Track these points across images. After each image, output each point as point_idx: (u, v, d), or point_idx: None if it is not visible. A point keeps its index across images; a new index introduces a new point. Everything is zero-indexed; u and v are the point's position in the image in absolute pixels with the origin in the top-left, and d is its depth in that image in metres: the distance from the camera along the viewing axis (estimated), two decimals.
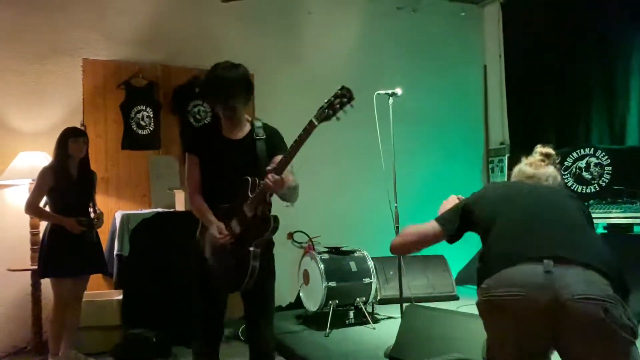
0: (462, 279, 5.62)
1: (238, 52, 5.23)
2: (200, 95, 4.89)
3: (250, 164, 2.51)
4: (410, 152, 5.41)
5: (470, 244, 6.38)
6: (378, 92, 4.00)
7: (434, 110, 6.07)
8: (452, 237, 2.05)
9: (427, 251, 5.31)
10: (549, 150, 2.11)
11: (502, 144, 6.41)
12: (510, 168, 2.25)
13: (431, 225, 2.08)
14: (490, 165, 6.47)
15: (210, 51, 5.10)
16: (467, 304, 4.62)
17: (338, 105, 2.52)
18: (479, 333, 2.68)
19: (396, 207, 3.95)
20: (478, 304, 1.75)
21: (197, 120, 5.01)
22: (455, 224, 2.03)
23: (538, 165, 2.08)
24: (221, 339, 2.76)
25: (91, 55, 4.68)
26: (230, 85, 2.50)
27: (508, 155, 6.20)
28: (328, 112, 2.53)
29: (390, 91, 3.96)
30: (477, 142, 6.54)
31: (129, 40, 4.84)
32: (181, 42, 5.01)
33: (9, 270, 4.04)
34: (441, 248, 5.32)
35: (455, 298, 4.94)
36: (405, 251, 2.26)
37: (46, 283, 3.82)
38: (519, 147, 6.05)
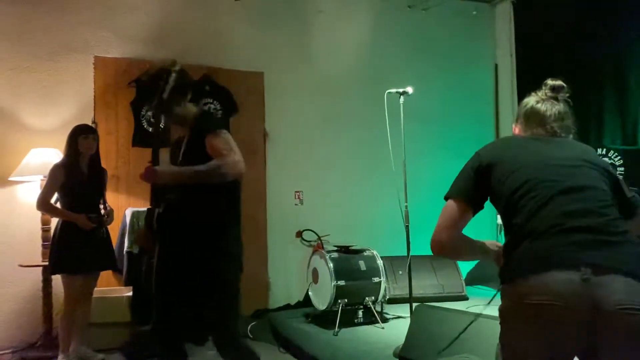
0: (471, 279, 5.59)
1: (248, 50, 5.26)
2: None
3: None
4: (421, 151, 5.40)
5: None
6: (389, 90, 3.98)
7: (444, 109, 6.04)
8: (477, 206, 1.79)
9: None
10: (560, 82, 1.95)
11: None
12: None
13: (450, 206, 1.79)
14: None
15: (221, 49, 5.13)
16: (477, 304, 4.58)
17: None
18: (489, 334, 2.67)
19: (406, 207, 3.94)
20: (506, 308, 1.60)
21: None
22: (473, 192, 1.78)
23: (551, 103, 1.91)
24: None
25: (103, 53, 4.70)
26: None
27: None
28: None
29: (401, 90, 3.95)
30: (487, 141, 6.41)
31: (140, 38, 4.85)
32: (191, 40, 5.02)
33: (20, 266, 4.07)
34: None
35: (464, 298, 4.92)
36: (452, 247, 1.81)
37: (57, 279, 3.84)
38: None
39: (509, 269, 1.64)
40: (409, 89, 3.94)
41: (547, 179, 1.68)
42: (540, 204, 1.63)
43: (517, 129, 2.00)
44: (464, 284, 5.07)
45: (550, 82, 1.95)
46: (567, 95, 1.94)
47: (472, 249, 1.84)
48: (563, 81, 1.95)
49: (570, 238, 1.57)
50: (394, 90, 3.97)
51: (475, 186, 1.78)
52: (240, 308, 2.55)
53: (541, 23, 5.85)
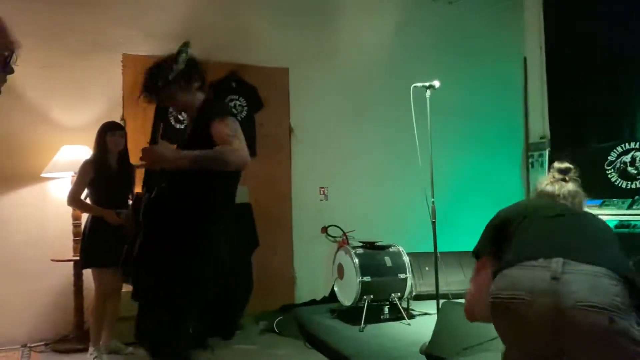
0: None
1: (273, 46, 5.27)
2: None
3: None
4: (448, 146, 5.34)
5: None
6: (415, 84, 3.94)
7: (471, 103, 5.96)
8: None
9: (463, 246, 5.25)
10: (567, 164, 2.10)
11: (542, 138, 6.24)
12: (551, 163, 2.20)
13: (481, 267, 1.96)
14: (530, 160, 6.31)
15: (246, 46, 5.15)
16: None
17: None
18: None
19: (433, 203, 3.90)
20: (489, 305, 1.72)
21: (234, 114, 5.06)
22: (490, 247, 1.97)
23: (560, 184, 2.06)
24: None
25: (131, 51, 4.76)
26: None
27: (549, 149, 6.04)
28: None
29: (427, 84, 3.91)
30: (516, 136, 6.39)
31: (166, 35, 4.90)
32: (217, 37, 5.05)
33: (53, 260, 4.16)
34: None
35: None
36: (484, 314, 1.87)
37: (88, 273, 3.92)
38: (561, 142, 5.89)
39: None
40: (436, 83, 3.90)
41: (541, 217, 1.89)
42: (530, 230, 1.85)
43: None
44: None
45: (557, 164, 2.11)
46: (576, 175, 2.09)
47: None
48: (569, 162, 2.12)
49: (551, 239, 1.76)
50: (420, 84, 3.93)
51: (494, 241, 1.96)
52: (183, 321, 2.39)
53: (573, 13, 5.71)
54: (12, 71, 1.34)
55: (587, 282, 1.54)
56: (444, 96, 4.23)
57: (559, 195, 2.03)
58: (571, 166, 2.09)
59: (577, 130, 5.70)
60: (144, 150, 2.20)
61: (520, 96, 6.41)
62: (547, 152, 6.04)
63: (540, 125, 6.30)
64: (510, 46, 6.39)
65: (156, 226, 2.32)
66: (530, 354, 1.65)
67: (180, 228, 2.29)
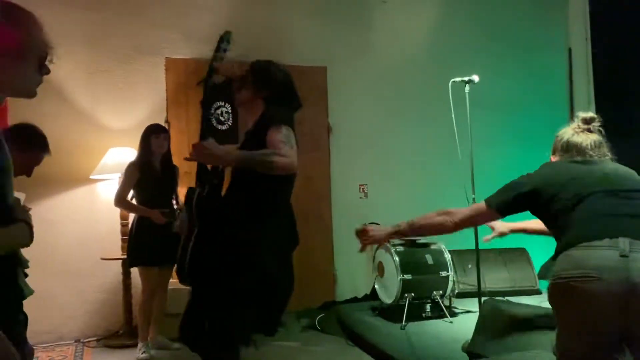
0: (545, 273, 5.38)
1: (311, 45, 5.30)
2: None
3: None
4: (488, 141, 5.24)
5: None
6: (453, 79, 3.89)
7: (514, 97, 5.83)
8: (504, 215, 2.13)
9: (507, 244, 5.16)
10: (591, 114, 2.16)
11: None
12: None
13: (485, 212, 2.16)
14: None
15: (284, 46, 5.19)
16: None
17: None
18: None
19: (474, 199, 3.84)
20: (549, 288, 1.76)
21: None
22: (510, 207, 2.08)
23: (585, 135, 2.10)
24: None
25: (173, 54, 4.88)
26: None
27: None
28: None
29: (466, 78, 3.85)
30: (561, 129, 6.20)
31: (207, 38, 4.96)
32: (255, 38, 5.11)
33: (102, 259, 4.32)
34: (523, 241, 5.15)
35: (537, 292, 4.75)
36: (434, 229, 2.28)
37: (135, 271, 4.05)
38: (609, 135, 5.69)
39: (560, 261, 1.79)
40: (475, 77, 3.84)
41: (592, 189, 1.88)
42: (588, 207, 1.83)
43: (556, 160, 2.22)
44: (536, 278, 4.89)
45: (581, 114, 2.17)
46: (599, 125, 2.14)
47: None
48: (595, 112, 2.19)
49: (613, 218, 1.77)
50: (458, 79, 3.88)
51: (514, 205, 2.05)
52: (240, 315, 2.44)
53: (620, 1, 5.51)
54: (48, 72, 1.40)
55: None
56: (485, 90, 4.16)
57: (587, 146, 2.06)
58: (595, 116, 2.15)
59: (626, 123, 5.50)
60: (194, 145, 2.28)
61: (564, 89, 6.22)
62: None
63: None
64: (554, 37, 6.21)
65: (210, 222, 2.36)
66: (594, 339, 1.65)
67: (234, 227, 2.34)
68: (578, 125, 2.14)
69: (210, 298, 2.44)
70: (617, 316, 1.61)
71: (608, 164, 2.03)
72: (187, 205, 2.44)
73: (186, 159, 2.39)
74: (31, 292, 1.44)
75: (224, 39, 2.67)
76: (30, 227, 1.35)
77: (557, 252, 1.79)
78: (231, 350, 2.50)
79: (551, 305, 1.78)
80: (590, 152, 2.05)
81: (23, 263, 1.34)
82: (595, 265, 1.63)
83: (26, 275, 1.44)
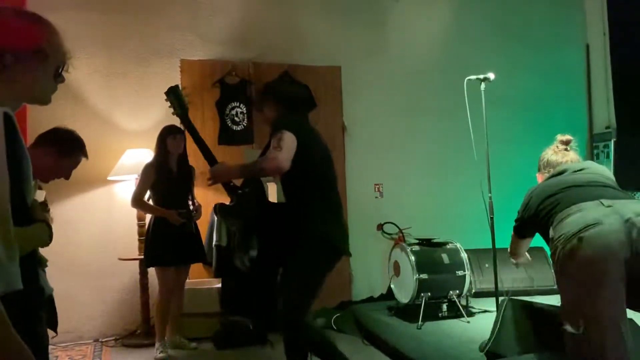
0: None
1: (325, 45, 5.30)
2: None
3: None
4: (505, 140, 5.20)
5: None
6: (469, 77, 3.86)
7: (530, 94, 5.77)
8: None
9: None
10: (568, 137, 2.54)
11: (607, 128, 5.96)
12: (617, 153, 2.39)
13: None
14: (595, 152, 6.04)
15: (299, 47, 5.20)
16: None
17: None
18: None
19: (490, 198, 3.81)
20: (560, 259, 2.00)
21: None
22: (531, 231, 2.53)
23: (563, 153, 2.48)
24: None
25: (188, 56, 4.91)
26: None
27: (614, 139, 5.76)
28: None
29: (482, 76, 3.82)
30: (579, 127, 6.12)
31: (222, 39, 5.03)
32: (270, 39, 5.13)
33: (120, 259, 4.36)
34: (541, 240, 5.09)
35: (555, 292, 4.68)
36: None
37: (152, 271, 4.09)
38: (627, 131, 5.61)
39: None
40: (490, 75, 3.80)
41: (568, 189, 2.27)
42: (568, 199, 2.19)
43: (540, 178, 2.57)
44: (554, 277, 4.83)
45: (559, 137, 2.57)
46: (576, 145, 2.56)
47: None
48: (571, 134, 2.59)
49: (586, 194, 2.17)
50: (474, 77, 3.85)
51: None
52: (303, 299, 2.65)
53: None
54: (63, 80, 1.42)
55: (632, 203, 2.06)
56: (501, 88, 4.13)
57: (562, 162, 2.45)
58: (572, 138, 2.55)
59: None
60: (209, 171, 2.70)
61: (582, 85, 6.15)
62: (612, 143, 5.77)
63: (605, 114, 6.02)
64: (572, 33, 6.14)
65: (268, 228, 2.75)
66: (613, 288, 1.88)
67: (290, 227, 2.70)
68: (557, 145, 2.55)
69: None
70: (625, 251, 1.89)
71: (581, 168, 2.38)
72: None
73: (209, 185, 2.82)
74: (51, 290, 1.47)
75: (171, 93, 3.15)
76: (49, 227, 1.37)
77: (555, 232, 2.11)
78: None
79: (562, 275, 2.03)
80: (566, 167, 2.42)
81: (42, 262, 1.37)
82: (592, 218, 1.96)
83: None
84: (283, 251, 2.70)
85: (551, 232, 2.16)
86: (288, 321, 2.62)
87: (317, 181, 2.75)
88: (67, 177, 2.44)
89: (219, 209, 2.79)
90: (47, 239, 1.37)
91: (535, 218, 2.31)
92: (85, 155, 2.52)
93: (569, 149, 2.49)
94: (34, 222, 1.33)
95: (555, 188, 2.26)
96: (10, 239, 1.10)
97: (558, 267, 2.04)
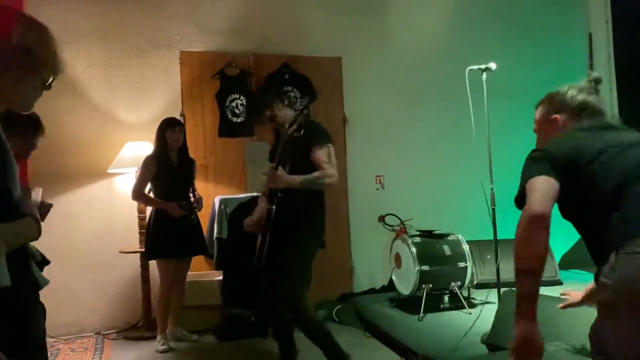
0: (566, 263, 5.30)
1: (325, 36, 5.26)
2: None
3: None
4: (507, 130, 5.16)
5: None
6: (470, 67, 3.82)
7: (532, 84, 5.68)
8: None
9: None
10: (598, 75, 1.90)
11: (610, 118, 5.92)
12: None
13: (540, 181, 1.59)
14: None
15: (299, 37, 5.17)
16: (571, 289, 4.34)
17: None
18: (583, 320, 2.52)
19: (492, 189, 3.79)
20: (612, 290, 1.42)
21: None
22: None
23: (599, 98, 1.85)
24: None
25: (187, 48, 4.88)
26: None
27: None
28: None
29: (483, 66, 3.78)
30: None
31: (221, 30, 5.00)
32: (270, 30, 5.10)
33: (121, 252, 4.36)
34: None
35: (558, 283, 4.67)
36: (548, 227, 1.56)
37: (153, 264, 4.08)
38: (631, 121, 5.58)
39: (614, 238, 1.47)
40: (492, 65, 3.75)
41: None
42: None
43: (563, 120, 1.86)
44: (557, 268, 4.82)
45: (593, 74, 1.89)
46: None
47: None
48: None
49: None
50: (475, 67, 3.81)
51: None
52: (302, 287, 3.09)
53: None
54: (49, 88, 1.41)
55: None
56: (502, 78, 4.08)
57: (603, 107, 1.81)
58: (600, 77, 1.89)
59: None
60: (270, 174, 2.98)
61: (585, 74, 6.08)
62: None
63: (607, 103, 5.97)
64: (574, 22, 6.08)
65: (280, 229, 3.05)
66: None
67: (299, 227, 3.08)
68: (591, 84, 1.86)
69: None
70: None
71: (629, 132, 1.71)
72: (267, 218, 3.07)
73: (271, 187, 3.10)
74: (46, 282, 1.46)
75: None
76: (37, 220, 1.36)
77: (610, 244, 1.47)
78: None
79: (609, 306, 1.46)
80: (607, 115, 1.77)
81: (34, 255, 1.36)
82: None
83: (41, 268, 1.46)
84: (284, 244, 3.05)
85: (593, 215, 1.57)
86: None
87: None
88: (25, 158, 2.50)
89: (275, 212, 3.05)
90: (36, 233, 1.36)
91: (576, 174, 1.57)
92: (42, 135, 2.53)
93: (598, 90, 1.87)
94: (21, 217, 1.31)
95: (621, 162, 1.55)
96: None
97: (620, 304, 1.42)
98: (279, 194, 3.02)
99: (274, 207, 3.04)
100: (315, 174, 3.00)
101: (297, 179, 3.00)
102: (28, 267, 1.33)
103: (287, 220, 3.04)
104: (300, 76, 5.13)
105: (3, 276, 1.11)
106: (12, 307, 1.21)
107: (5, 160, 1.25)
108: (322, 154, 3.01)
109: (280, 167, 2.99)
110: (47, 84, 1.39)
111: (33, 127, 2.48)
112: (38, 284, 1.41)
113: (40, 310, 1.53)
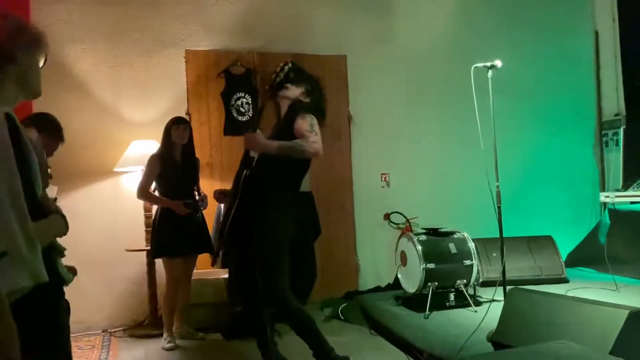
0: (572, 261, 5.29)
1: (330, 34, 5.26)
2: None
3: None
4: (512, 128, 5.16)
5: (581, 224, 6.01)
6: (475, 65, 3.81)
7: (538, 82, 5.71)
8: None
9: (533, 232, 5.06)
10: None
11: (617, 115, 5.89)
12: (627, 141, 2.01)
13: None
14: (604, 139, 5.99)
15: (304, 36, 5.17)
16: (578, 287, 4.34)
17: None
18: (589, 319, 2.51)
19: (497, 187, 3.78)
20: None
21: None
22: None
23: None
24: None
25: (192, 46, 4.89)
26: None
27: (624, 127, 5.70)
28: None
29: (488, 64, 3.77)
30: (588, 114, 6.07)
31: (226, 29, 5.00)
32: (275, 28, 5.10)
33: (127, 250, 4.38)
34: (549, 229, 5.06)
35: (564, 281, 4.66)
36: None
37: (159, 262, 4.10)
38: (637, 118, 5.55)
39: None
40: (498, 63, 3.74)
41: None
42: None
43: None
44: (563, 266, 4.81)
45: None
46: None
47: None
48: None
49: None
50: (480, 64, 3.80)
51: None
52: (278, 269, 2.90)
53: None
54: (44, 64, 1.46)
55: None
56: (508, 76, 4.08)
57: None
58: None
59: None
60: (246, 135, 2.89)
61: (591, 72, 6.07)
62: (622, 130, 5.70)
63: (614, 102, 5.95)
64: (580, 20, 6.06)
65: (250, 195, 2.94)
66: None
67: (266, 196, 2.93)
68: None
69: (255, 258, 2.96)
70: None
71: None
72: (236, 183, 2.98)
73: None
74: (71, 279, 1.48)
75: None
76: (63, 217, 1.39)
77: None
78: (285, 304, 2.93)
79: None
80: None
81: (60, 251, 1.39)
82: None
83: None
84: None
85: None
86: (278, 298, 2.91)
87: (301, 165, 3.01)
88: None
89: (244, 178, 2.96)
90: (64, 228, 1.41)
91: None
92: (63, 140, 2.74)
93: None
94: (47, 214, 1.35)
95: None
96: (30, 234, 1.12)
97: None
98: (254, 157, 2.93)
99: (246, 171, 2.92)
100: (296, 140, 2.84)
101: (275, 143, 2.86)
102: (54, 263, 1.36)
103: (258, 190, 2.91)
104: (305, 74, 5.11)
105: (41, 272, 1.13)
106: (38, 305, 1.22)
107: (29, 161, 1.27)
108: (304, 124, 2.86)
109: (259, 131, 2.89)
110: (42, 65, 1.43)
111: (59, 129, 2.64)
112: (63, 280, 1.43)
113: (65, 308, 1.54)
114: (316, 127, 2.86)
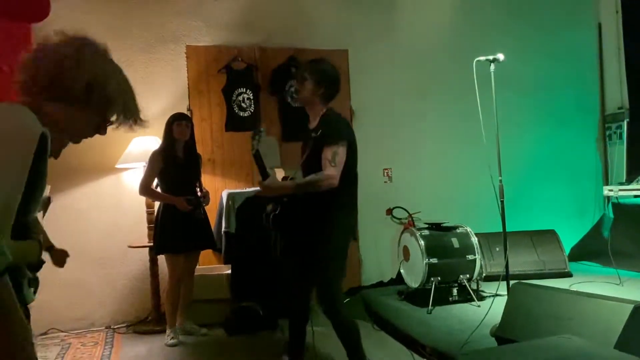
0: (576, 255, 5.28)
1: (331, 29, 5.23)
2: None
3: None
4: (515, 122, 5.14)
5: (584, 218, 5.98)
6: (478, 58, 3.79)
7: (541, 75, 5.69)
8: None
9: (537, 226, 5.04)
10: None
11: (620, 108, 5.86)
12: (631, 134, 2.01)
13: None
14: (608, 133, 5.96)
15: (305, 30, 5.14)
16: (581, 281, 4.34)
17: None
18: (593, 313, 2.50)
19: (500, 181, 3.77)
20: None
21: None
22: None
23: None
24: None
25: (194, 42, 4.87)
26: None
27: (627, 120, 5.67)
28: None
29: (491, 57, 3.74)
30: (591, 108, 6.04)
31: (227, 25, 4.98)
32: (276, 23, 5.08)
33: (129, 247, 4.38)
34: (553, 223, 5.05)
35: (567, 275, 4.66)
36: None
37: (162, 258, 4.10)
38: None
39: None
40: (500, 56, 3.72)
41: None
42: None
43: None
44: (567, 260, 4.80)
45: None
46: None
47: None
48: None
49: None
50: (483, 57, 3.77)
51: None
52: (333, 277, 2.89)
53: None
54: (104, 132, 1.50)
55: None
56: (510, 69, 4.06)
57: None
58: None
59: None
60: (260, 186, 2.81)
61: (594, 65, 6.04)
62: (625, 123, 5.68)
63: (617, 95, 5.92)
64: (583, 12, 6.02)
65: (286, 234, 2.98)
66: None
67: (306, 230, 2.89)
68: None
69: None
70: None
71: None
72: (265, 222, 2.96)
73: (257, 194, 3.00)
74: (32, 299, 1.48)
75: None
76: (40, 246, 1.40)
77: None
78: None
79: None
80: None
81: (26, 275, 1.40)
82: None
83: (36, 286, 1.48)
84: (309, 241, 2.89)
85: None
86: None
87: (350, 177, 2.94)
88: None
89: (274, 216, 2.92)
90: (37, 257, 1.40)
91: None
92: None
93: None
94: (27, 238, 1.35)
95: None
96: (2, 248, 1.13)
97: None
98: (284, 199, 2.89)
99: (276, 211, 2.90)
100: (309, 177, 2.79)
101: (290, 184, 2.83)
102: (20, 286, 1.37)
103: (298, 222, 2.91)
104: None
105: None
106: None
107: (37, 185, 1.28)
108: (327, 153, 2.78)
109: (271, 175, 2.84)
110: (105, 125, 1.42)
111: None
112: (25, 301, 1.44)
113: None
114: (339, 157, 2.79)
